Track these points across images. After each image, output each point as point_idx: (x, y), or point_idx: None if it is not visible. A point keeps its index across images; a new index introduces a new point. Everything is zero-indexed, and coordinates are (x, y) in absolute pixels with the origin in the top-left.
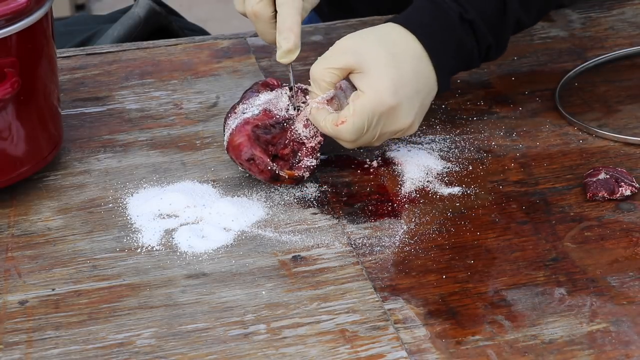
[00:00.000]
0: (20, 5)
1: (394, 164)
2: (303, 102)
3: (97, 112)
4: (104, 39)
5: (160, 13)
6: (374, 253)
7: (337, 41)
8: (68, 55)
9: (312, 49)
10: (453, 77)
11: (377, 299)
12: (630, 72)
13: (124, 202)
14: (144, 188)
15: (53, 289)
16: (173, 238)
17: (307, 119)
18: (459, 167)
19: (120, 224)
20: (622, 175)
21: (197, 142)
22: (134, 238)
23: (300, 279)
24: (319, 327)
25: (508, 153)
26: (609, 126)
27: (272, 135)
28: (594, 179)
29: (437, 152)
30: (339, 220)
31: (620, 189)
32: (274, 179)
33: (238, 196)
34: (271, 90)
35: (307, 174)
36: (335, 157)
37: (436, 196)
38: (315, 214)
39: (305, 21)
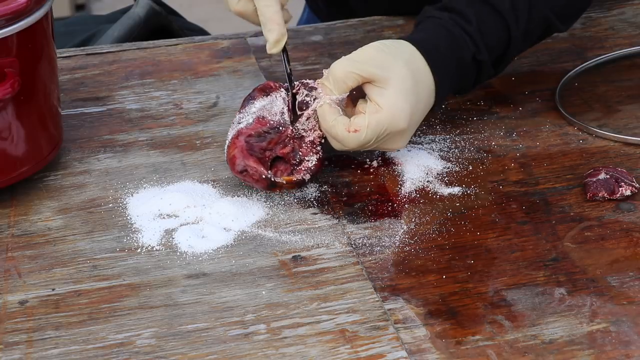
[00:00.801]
0: (20, 5)
1: (394, 164)
2: (307, 96)
3: (97, 112)
4: (104, 39)
5: (160, 13)
6: (374, 253)
7: (366, 47)
8: (68, 55)
9: (312, 49)
10: None
11: (377, 299)
12: (630, 72)
13: (124, 202)
14: (144, 188)
15: (53, 289)
16: (173, 238)
17: (312, 112)
18: (459, 167)
19: (121, 224)
20: (622, 175)
21: (197, 142)
22: (134, 238)
23: (300, 279)
24: (319, 327)
25: (508, 153)
26: (609, 126)
27: (267, 140)
28: (594, 179)
29: (437, 152)
30: (339, 220)
31: (620, 189)
32: (271, 187)
33: (238, 196)
34: (267, 96)
35: (307, 176)
36: (335, 157)
37: (436, 196)
38: (315, 214)
39: (305, 21)
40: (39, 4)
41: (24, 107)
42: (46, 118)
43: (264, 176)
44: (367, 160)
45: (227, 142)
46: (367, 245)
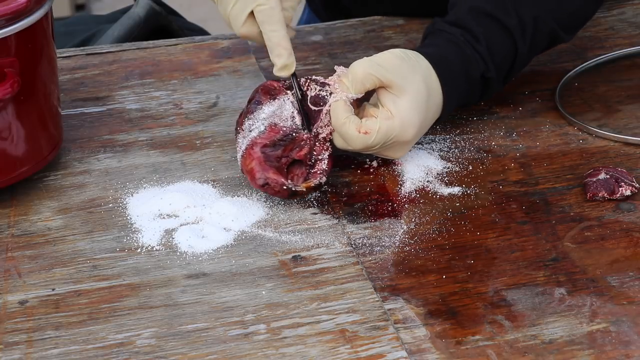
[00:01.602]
0: (20, 5)
1: (394, 164)
2: (322, 91)
3: (97, 112)
4: (104, 39)
5: (160, 13)
6: (374, 253)
7: (388, 53)
8: (68, 55)
9: (312, 49)
10: None
11: (377, 299)
12: (630, 72)
13: (124, 202)
14: (144, 188)
15: (53, 289)
16: (173, 238)
17: (329, 107)
18: (459, 167)
19: (120, 224)
20: (622, 175)
21: (197, 142)
22: (134, 238)
23: (300, 279)
24: (319, 327)
25: (508, 153)
26: (609, 126)
27: (282, 148)
28: (594, 179)
29: (437, 152)
30: (339, 220)
31: (620, 189)
32: (292, 196)
33: (238, 196)
34: (273, 98)
35: (323, 179)
36: (335, 157)
37: (436, 196)
38: (315, 214)
39: (305, 21)
40: (39, 4)
41: (24, 107)
42: (46, 118)
43: (285, 187)
44: (367, 160)
45: (241, 151)
46: (367, 245)
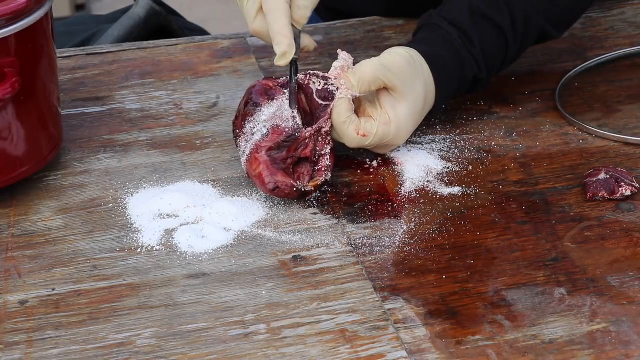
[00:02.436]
0: (20, 5)
1: (394, 164)
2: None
3: (97, 112)
4: (104, 39)
5: (160, 13)
6: (374, 253)
7: (396, 56)
8: (68, 55)
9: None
10: None
11: (377, 299)
12: (630, 72)
13: (124, 202)
14: (144, 188)
15: (53, 289)
16: (173, 238)
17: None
18: (459, 167)
19: (121, 224)
20: (622, 175)
21: (197, 142)
22: (134, 238)
23: (300, 279)
24: (319, 327)
25: (508, 153)
26: (609, 126)
27: (287, 149)
28: (594, 179)
29: (437, 152)
30: (339, 220)
31: (620, 189)
32: (303, 196)
33: (238, 196)
34: (271, 99)
35: (329, 175)
36: (336, 152)
37: (436, 196)
38: (315, 214)
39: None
40: (39, 4)
41: (24, 107)
42: (46, 118)
43: (295, 189)
44: (367, 160)
45: (245, 155)
46: (367, 245)
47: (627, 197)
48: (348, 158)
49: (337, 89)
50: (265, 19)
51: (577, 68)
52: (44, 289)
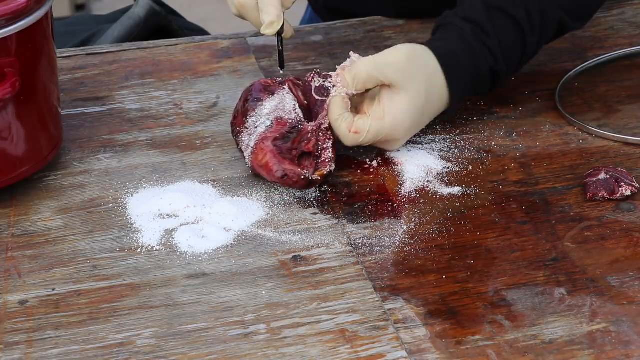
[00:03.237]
0: (20, 5)
1: (394, 164)
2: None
3: (97, 112)
4: (104, 39)
5: (160, 13)
6: (374, 253)
7: (397, 51)
8: (68, 55)
9: (312, 49)
10: None
11: (377, 299)
12: (630, 72)
13: (124, 202)
14: (144, 188)
15: (53, 289)
16: (173, 238)
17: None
18: (459, 167)
19: (120, 224)
20: (622, 175)
21: (197, 142)
22: (134, 238)
23: (300, 279)
24: (319, 327)
25: (508, 153)
26: (609, 126)
27: (291, 140)
28: (594, 179)
29: (437, 152)
30: (339, 220)
31: (620, 189)
32: (309, 186)
33: (238, 196)
34: (271, 94)
35: (333, 166)
36: (335, 156)
37: (436, 196)
38: (315, 214)
39: (308, 21)
40: (39, 4)
41: (24, 107)
42: (46, 118)
43: (302, 177)
44: (367, 160)
45: (250, 148)
46: (367, 245)
47: (627, 197)
48: (348, 158)
49: (334, 86)
50: None
51: (577, 68)
52: (44, 289)
